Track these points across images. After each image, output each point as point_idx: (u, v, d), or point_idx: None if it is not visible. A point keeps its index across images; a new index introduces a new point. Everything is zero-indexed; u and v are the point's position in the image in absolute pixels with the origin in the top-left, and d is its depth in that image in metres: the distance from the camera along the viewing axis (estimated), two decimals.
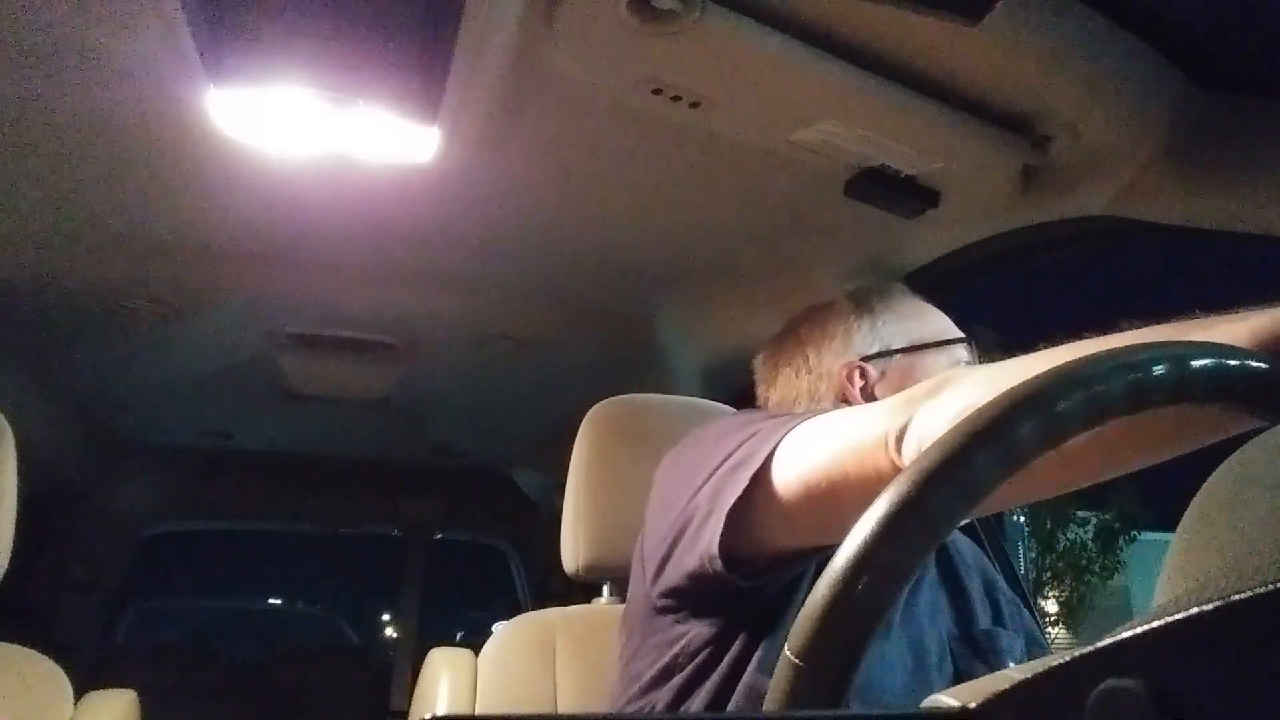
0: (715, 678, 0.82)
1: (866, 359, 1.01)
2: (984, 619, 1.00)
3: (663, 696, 0.85)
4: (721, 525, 0.75)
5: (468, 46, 0.94)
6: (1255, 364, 0.42)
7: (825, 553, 0.80)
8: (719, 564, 0.77)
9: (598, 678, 1.16)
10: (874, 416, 0.66)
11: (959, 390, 0.61)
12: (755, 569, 0.78)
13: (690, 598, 0.84)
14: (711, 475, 0.79)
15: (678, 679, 0.85)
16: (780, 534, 0.77)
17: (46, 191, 1.33)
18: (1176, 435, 0.52)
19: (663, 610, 0.88)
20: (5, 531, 1.14)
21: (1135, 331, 0.54)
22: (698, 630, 0.85)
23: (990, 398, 0.56)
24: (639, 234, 1.47)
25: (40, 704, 1.17)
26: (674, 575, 0.84)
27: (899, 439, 0.62)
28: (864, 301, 1.07)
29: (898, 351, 1.01)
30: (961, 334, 1.04)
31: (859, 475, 0.66)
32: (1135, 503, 16.98)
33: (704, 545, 0.78)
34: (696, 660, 0.84)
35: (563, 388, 2.13)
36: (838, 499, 0.68)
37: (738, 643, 0.83)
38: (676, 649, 0.86)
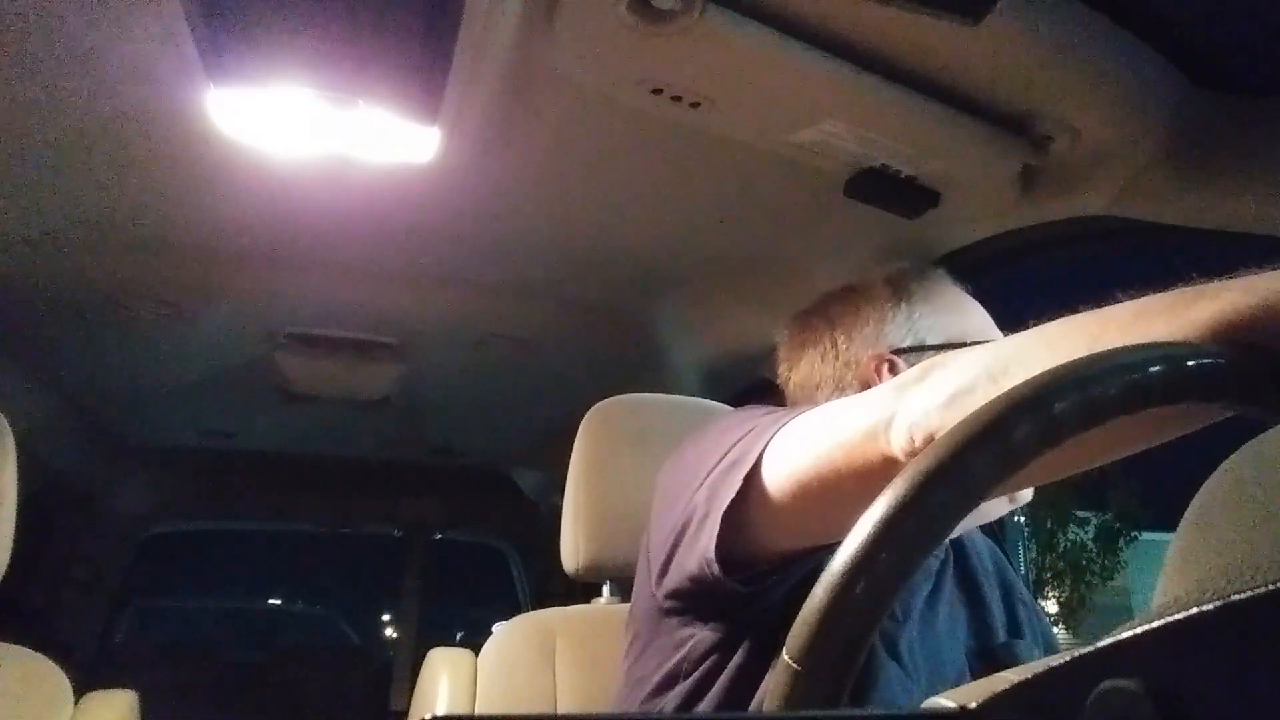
0: (720, 686, 0.81)
1: (898, 352, 0.96)
2: (1001, 631, 0.96)
3: (669, 703, 0.84)
4: (718, 528, 0.74)
5: (468, 46, 0.94)
6: (1254, 362, 0.42)
7: (821, 555, 0.79)
8: (716, 568, 0.75)
9: (598, 678, 1.16)
10: (861, 408, 0.65)
11: (946, 373, 0.59)
12: (754, 574, 0.77)
13: (694, 599, 0.83)
14: (709, 474, 0.78)
15: (683, 685, 0.83)
16: (775, 535, 0.75)
17: (47, 192, 1.33)
18: (1164, 424, 0.52)
19: (668, 611, 0.87)
20: (5, 531, 1.14)
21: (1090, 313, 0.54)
22: (702, 635, 0.83)
23: (975, 378, 0.56)
24: (639, 234, 1.47)
25: (40, 704, 1.17)
26: (676, 576, 0.82)
27: (887, 428, 0.61)
28: (902, 288, 1.01)
29: (931, 348, 0.96)
30: (999, 334, 0.98)
31: (849, 469, 0.65)
32: (1135, 503, 16.96)
33: (702, 548, 0.76)
34: (702, 667, 0.83)
35: (563, 388, 2.13)
36: (829, 496, 0.67)
37: (742, 651, 0.81)
38: (681, 653, 0.85)
